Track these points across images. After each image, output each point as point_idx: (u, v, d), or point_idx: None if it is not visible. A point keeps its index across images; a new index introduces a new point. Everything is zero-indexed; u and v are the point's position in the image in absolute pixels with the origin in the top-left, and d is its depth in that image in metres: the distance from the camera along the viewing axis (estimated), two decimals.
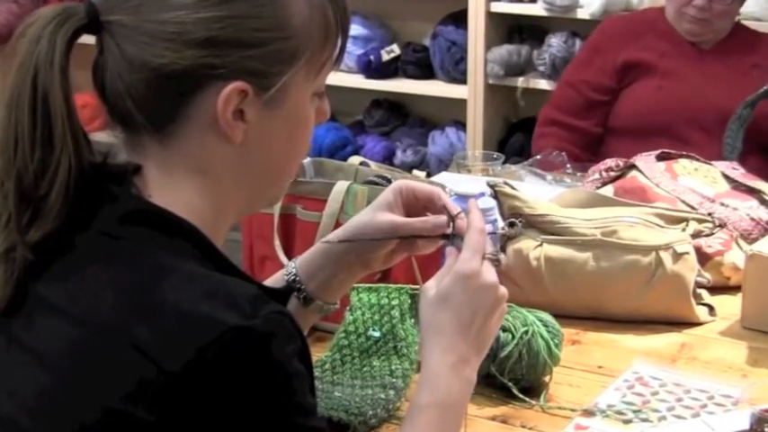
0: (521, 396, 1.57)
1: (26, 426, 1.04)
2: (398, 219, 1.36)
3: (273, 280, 1.40)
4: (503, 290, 1.26)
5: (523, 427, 1.53)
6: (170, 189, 1.11)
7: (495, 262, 1.26)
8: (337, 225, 1.76)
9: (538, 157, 2.72)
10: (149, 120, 1.10)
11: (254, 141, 1.12)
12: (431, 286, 1.25)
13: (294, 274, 1.38)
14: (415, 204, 1.37)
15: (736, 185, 2.14)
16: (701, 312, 1.85)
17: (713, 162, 2.22)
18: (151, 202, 1.10)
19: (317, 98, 1.18)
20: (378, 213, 1.36)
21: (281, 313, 1.05)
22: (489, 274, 1.25)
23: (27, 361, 1.06)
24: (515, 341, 1.56)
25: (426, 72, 4.20)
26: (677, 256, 1.81)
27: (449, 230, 1.30)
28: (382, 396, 1.55)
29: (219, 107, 1.09)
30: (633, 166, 2.17)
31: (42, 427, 1.03)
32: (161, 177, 1.12)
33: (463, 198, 1.60)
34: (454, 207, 1.33)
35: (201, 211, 1.12)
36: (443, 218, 1.32)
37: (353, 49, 4.24)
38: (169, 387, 0.99)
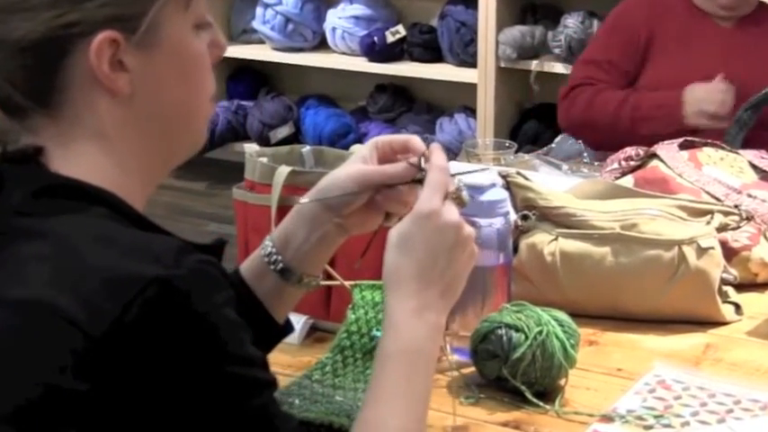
0: (534, 400, 1.56)
1: None
2: (369, 167, 1.38)
3: (250, 259, 1.43)
4: (468, 229, 1.27)
5: None
6: (74, 161, 1.14)
7: (458, 200, 1.28)
8: None
9: (553, 145, 2.72)
10: (30, 97, 1.13)
11: (143, 89, 1.15)
12: (393, 231, 1.26)
13: (270, 247, 1.40)
14: (392, 159, 1.39)
15: (765, 175, 2.13)
16: (727, 311, 1.85)
17: (740, 151, 2.22)
18: (61, 174, 1.13)
19: (203, 31, 1.20)
20: (349, 165, 1.38)
21: (206, 262, 1.07)
22: (450, 212, 1.26)
23: None
24: (528, 342, 1.56)
25: (434, 55, 4.20)
26: (701, 252, 1.81)
27: (422, 173, 1.31)
28: None
29: (93, 62, 1.11)
30: (654, 156, 2.16)
31: None
32: (62, 152, 1.14)
33: (475, 189, 1.59)
34: (422, 148, 1.35)
35: (112, 176, 1.14)
36: (414, 159, 1.34)
37: (356, 31, 4.24)
38: (97, 351, 1.01)
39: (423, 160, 1.33)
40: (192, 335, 1.04)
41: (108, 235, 1.08)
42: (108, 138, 1.15)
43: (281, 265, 1.39)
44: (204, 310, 1.04)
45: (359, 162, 1.39)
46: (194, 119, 1.22)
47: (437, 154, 1.31)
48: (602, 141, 2.82)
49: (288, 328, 1.48)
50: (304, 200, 1.40)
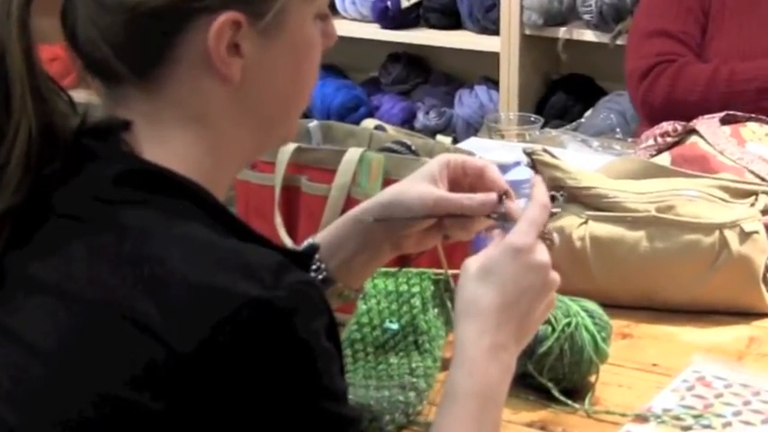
0: (562, 399, 1.56)
1: (12, 422, 1.04)
2: (441, 192, 1.38)
3: None
4: (555, 275, 1.28)
5: None
6: (163, 144, 1.12)
7: (549, 242, 1.29)
8: (349, 199, 1.76)
9: (582, 119, 2.71)
10: (131, 67, 1.11)
11: (254, 78, 1.14)
12: (474, 260, 1.27)
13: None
14: (462, 181, 1.40)
15: None
16: None
17: None
18: (146, 159, 1.11)
19: (320, 20, 1.21)
20: (418, 184, 1.39)
21: (306, 283, 1.06)
22: (543, 252, 1.27)
23: (12, 348, 1.07)
24: (556, 335, 1.56)
25: (452, 21, 4.19)
26: (745, 236, 1.80)
27: (501, 209, 1.34)
28: (401, 398, 1.55)
29: (211, 43, 1.10)
30: (693, 131, 2.16)
31: (32, 423, 1.04)
32: (151, 131, 1.13)
33: (498, 167, 1.59)
34: (504, 184, 1.37)
35: (200, 164, 1.13)
36: (493, 195, 1.36)
37: None
38: (180, 370, 1.00)
39: (503, 197, 1.36)
40: (290, 362, 1.03)
41: (198, 240, 1.06)
42: (204, 124, 1.13)
43: (323, 274, 1.40)
44: (305, 336, 1.03)
45: (427, 181, 1.39)
46: (294, 112, 1.23)
47: (539, 188, 1.32)
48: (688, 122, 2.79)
49: None
50: (367, 218, 1.40)
